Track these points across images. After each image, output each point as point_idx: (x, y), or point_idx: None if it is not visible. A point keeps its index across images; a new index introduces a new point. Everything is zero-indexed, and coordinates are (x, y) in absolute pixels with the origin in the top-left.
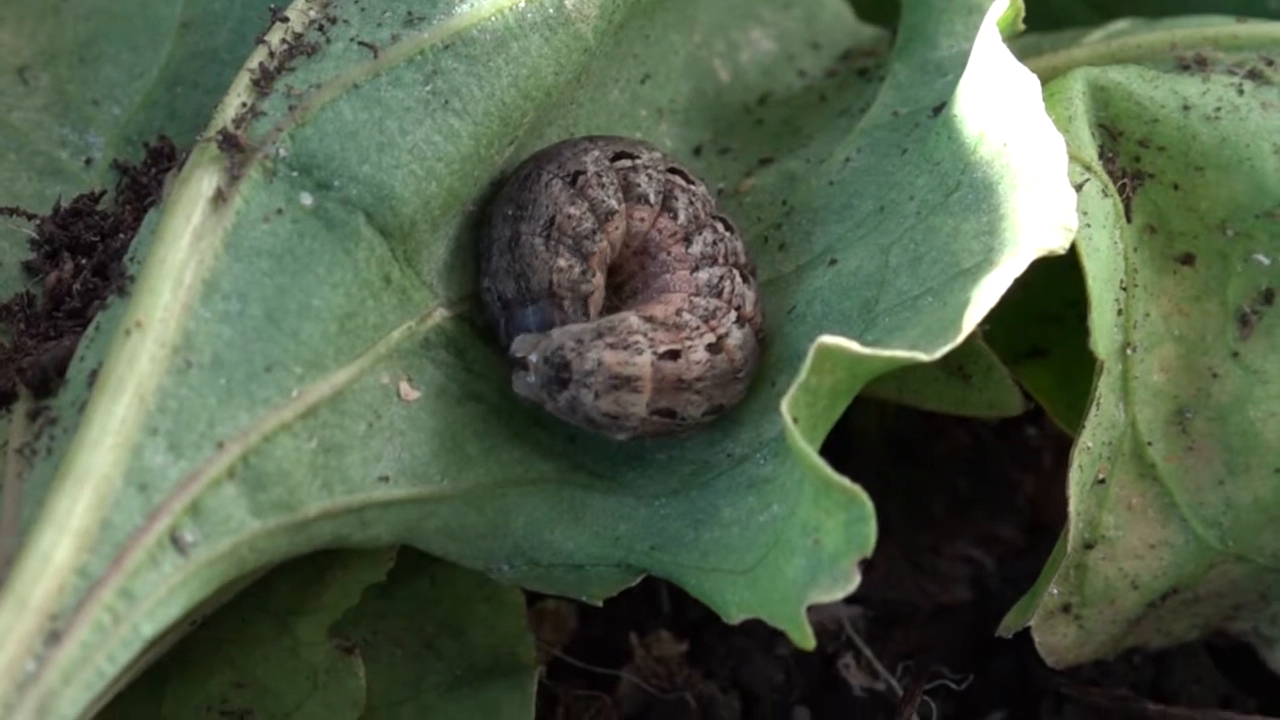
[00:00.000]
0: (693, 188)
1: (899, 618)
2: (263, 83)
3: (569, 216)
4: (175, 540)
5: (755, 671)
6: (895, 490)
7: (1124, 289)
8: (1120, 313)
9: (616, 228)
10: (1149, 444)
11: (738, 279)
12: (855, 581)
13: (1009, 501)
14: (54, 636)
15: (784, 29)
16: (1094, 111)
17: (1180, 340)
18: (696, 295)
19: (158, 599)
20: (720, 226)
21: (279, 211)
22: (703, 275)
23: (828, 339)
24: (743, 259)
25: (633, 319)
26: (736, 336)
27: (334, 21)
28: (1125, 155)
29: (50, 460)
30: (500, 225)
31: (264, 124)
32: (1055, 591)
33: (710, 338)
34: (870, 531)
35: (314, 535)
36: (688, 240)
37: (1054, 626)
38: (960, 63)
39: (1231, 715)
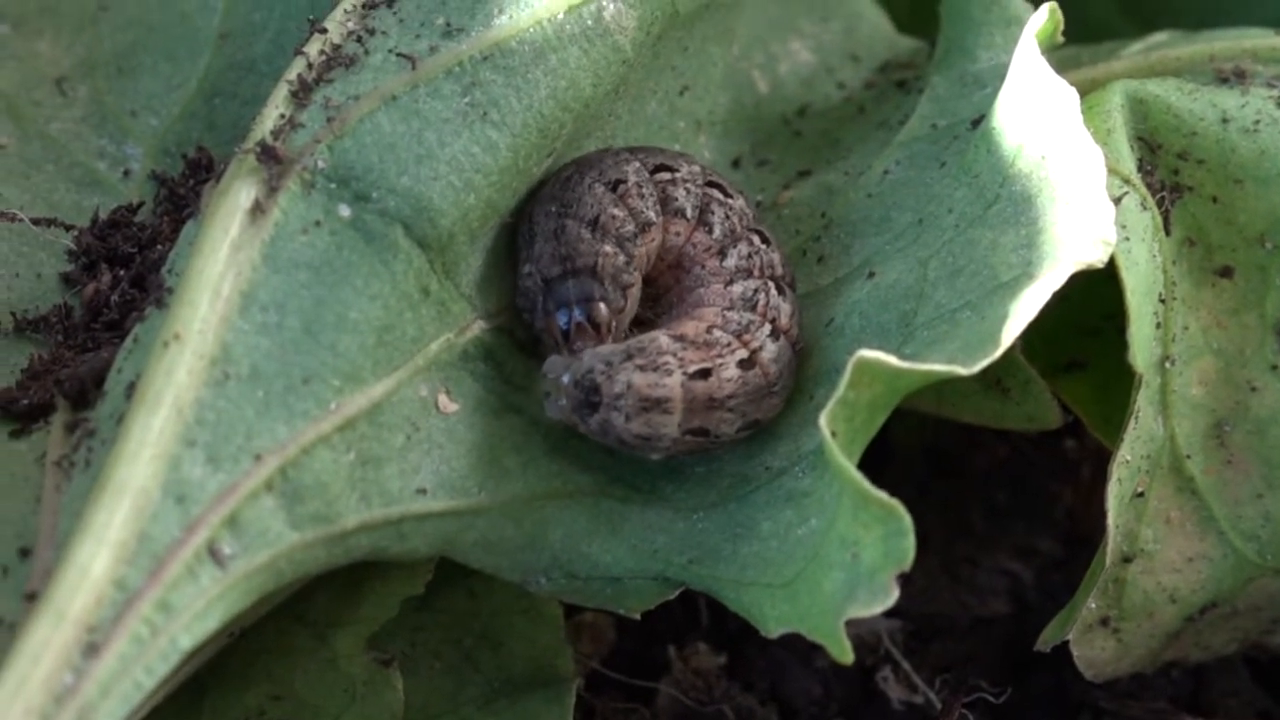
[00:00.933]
0: (730, 201)
1: (937, 630)
2: (301, 94)
3: (613, 217)
4: (213, 553)
5: (793, 684)
6: (934, 502)
7: (1163, 302)
8: (1159, 326)
9: (653, 239)
10: (1188, 457)
11: (773, 291)
12: (894, 596)
13: (1048, 514)
14: (92, 649)
15: (823, 41)
16: (1133, 124)
17: (1219, 353)
18: (730, 309)
19: (195, 612)
20: (756, 239)
21: (317, 223)
22: (737, 289)
23: (866, 353)
24: (779, 271)
25: (662, 339)
26: (771, 350)
27: (372, 33)
28: (1164, 168)
29: (88, 472)
30: (544, 220)
31: (302, 135)
32: (1094, 605)
33: (743, 353)
34: (909, 546)
35: (352, 547)
36: (722, 254)
37: (1092, 640)
38: (999, 75)
39: None
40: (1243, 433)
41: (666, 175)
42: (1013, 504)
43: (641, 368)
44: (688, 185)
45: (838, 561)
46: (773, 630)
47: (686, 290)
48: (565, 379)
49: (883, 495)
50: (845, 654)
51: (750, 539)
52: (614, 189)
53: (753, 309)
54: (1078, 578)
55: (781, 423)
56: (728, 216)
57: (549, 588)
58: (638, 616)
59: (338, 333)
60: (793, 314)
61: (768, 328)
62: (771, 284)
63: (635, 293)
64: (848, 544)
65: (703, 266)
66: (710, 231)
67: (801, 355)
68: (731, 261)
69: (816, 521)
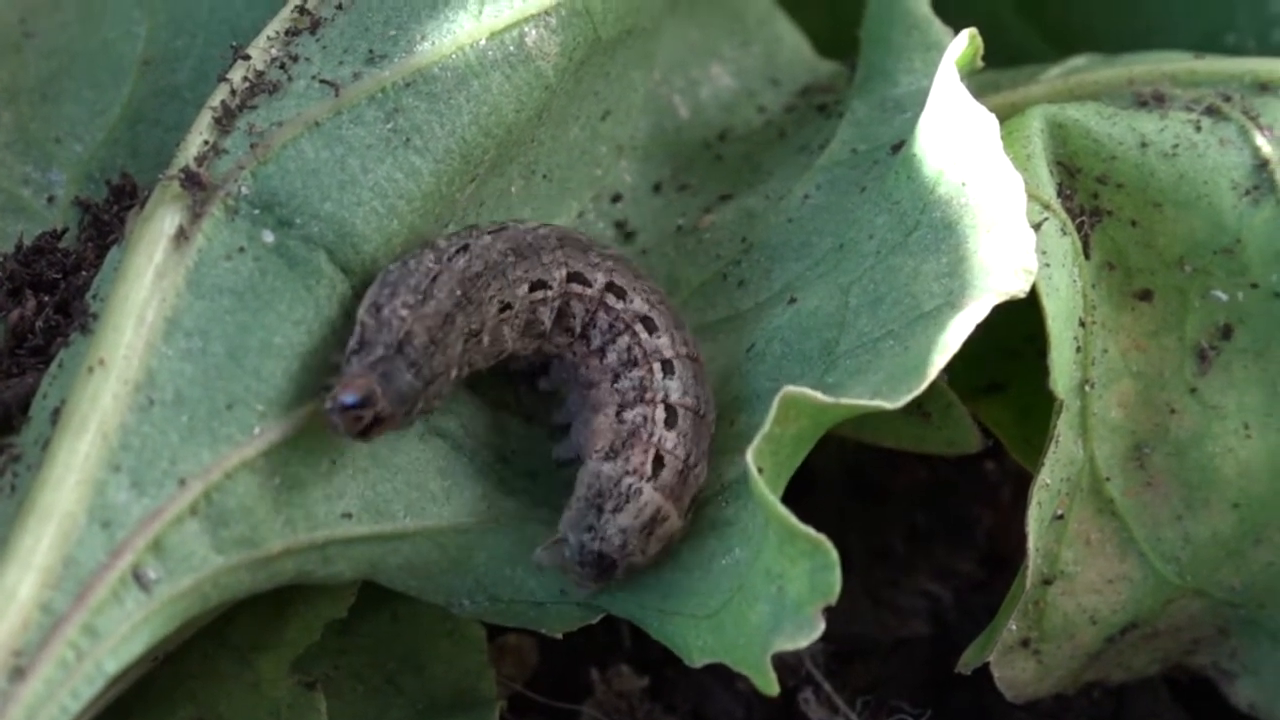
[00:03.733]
0: (619, 305)
1: (859, 652)
2: (224, 121)
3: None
4: (138, 577)
5: (716, 706)
6: (854, 525)
7: (1083, 325)
8: (1079, 350)
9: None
10: (1107, 479)
11: (658, 375)
12: (819, 629)
13: (968, 536)
14: (18, 673)
15: (743, 65)
16: (1052, 149)
17: (1138, 376)
18: (622, 409)
19: (121, 635)
20: (640, 329)
21: (241, 249)
22: (624, 383)
23: (792, 389)
24: (667, 354)
25: (601, 467)
26: (670, 439)
27: (295, 59)
28: (1083, 192)
29: (14, 497)
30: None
31: (226, 162)
32: (1014, 626)
33: (662, 411)
34: (835, 580)
35: (276, 571)
36: (603, 353)
37: (1013, 661)
38: (919, 100)
39: None
40: (1162, 455)
41: (577, 288)
42: (933, 526)
43: (615, 508)
44: (555, 304)
45: (763, 594)
46: (696, 660)
47: (576, 385)
48: (570, 560)
49: (809, 530)
50: (771, 686)
51: (672, 568)
52: (534, 289)
53: (641, 398)
54: (998, 599)
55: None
56: (610, 322)
57: (472, 610)
58: (560, 635)
59: (261, 358)
60: (685, 389)
61: (661, 411)
62: (658, 365)
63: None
64: (773, 577)
65: (586, 367)
66: (589, 344)
67: (720, 383)
68: (612, 358)
69: (741, 552)
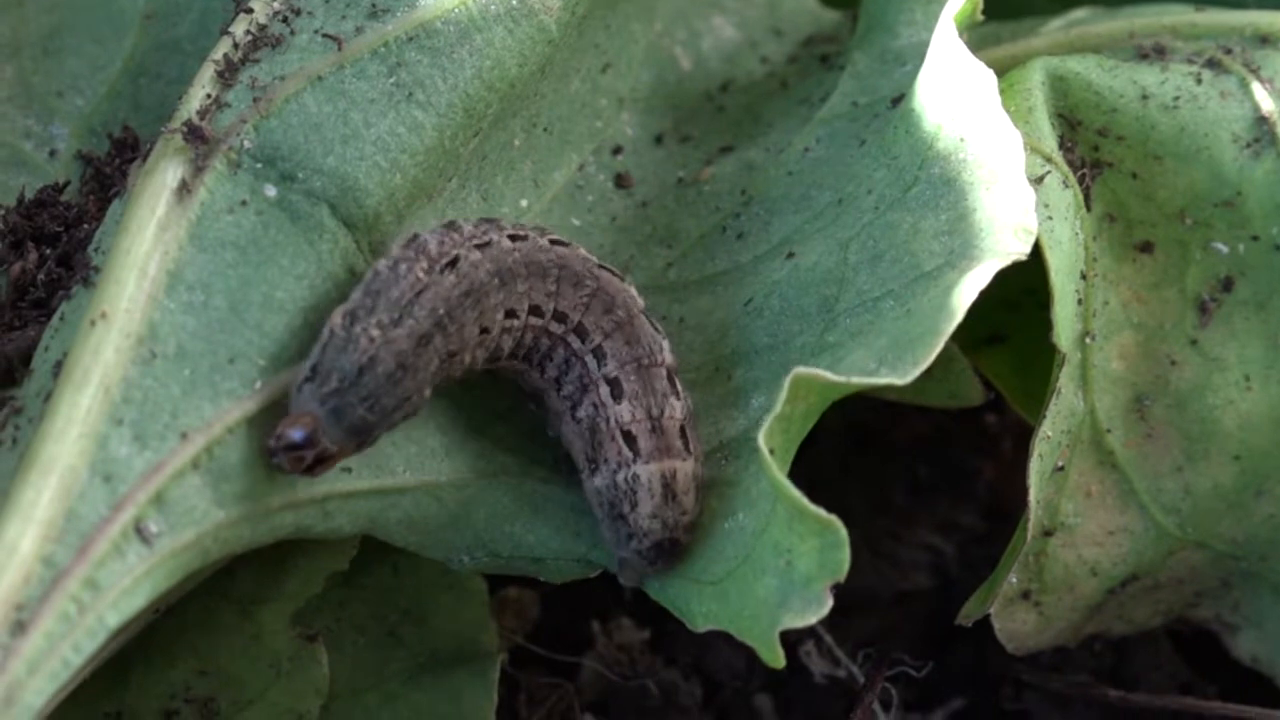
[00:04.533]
0: (578, 345)
1: (860, 605)
2: (227, 74)
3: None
4: (140, 531)
5: (717, 659)
6: (855, 478)
7: (1084, 278)
8: (1080, 302)
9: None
10: (1108, 431)
11: (606, 398)
12: (827, 605)
13: (969, 488)
14: (19, 626)
15: (746, 16)
16: (1053, 101)
17: (1139, 328)
18: (575, 406)
19: (123, 589)
20: (591, 359)
21: (243, 203)
22: (580, 413)
23: (803, 370)
24: (615, 374)
25: (595, 484)
26: (635, 473)
27: (298, 13)
28: (1084, 145)
29: (15, 450)
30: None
31: (228, 116)
32: (1015, 579)
33: (606, 388)
34: (844, 558)
35: (277, 526)
36: (543, 370)
37: (1014, 613)
38: (920, 53)
39: (1192, 701)
40: (1163, 406)
41: (534, 321)
42: (934, 479)
43: (632, 505)
44: (519, 335)
45: (771, 567)
46: (700, 626)
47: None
48: (645, 567)
49: (819, 511)
50: (777, 660)
51: None
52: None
53: (584, 390)
54: (999, 551)
55: (699, 404)
56: (566, 361)
57: (472, 565)
58: (559, 582)
59: (264, 312)
60: (618, 356)
61: (604, 389)
62: (590, 358)
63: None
64: (781, 551)
65: (529, 379)
66: (543, 373)
67: (718, 336)
68: (553, 372)
69: (745, 518)
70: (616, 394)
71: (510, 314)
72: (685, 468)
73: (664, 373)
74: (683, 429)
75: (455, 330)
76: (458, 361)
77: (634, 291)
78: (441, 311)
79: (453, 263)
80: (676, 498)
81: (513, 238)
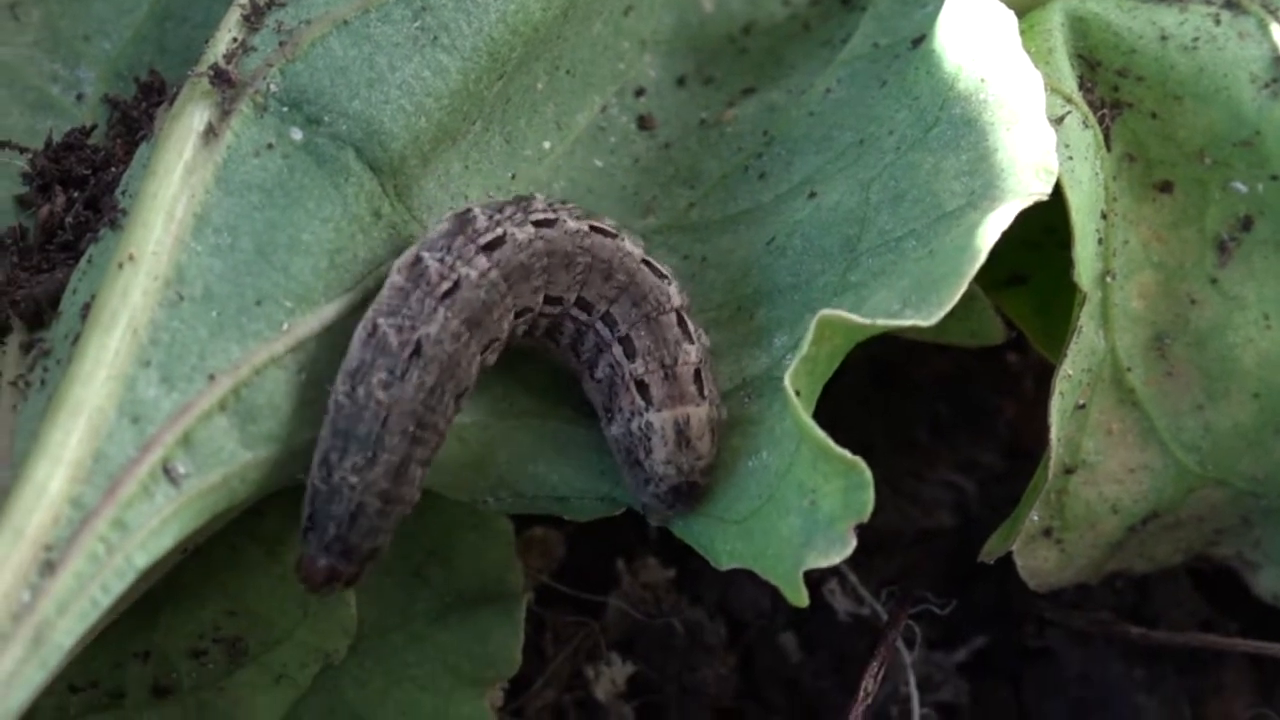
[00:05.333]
0: (585, 318)
1: (883, 543)
2: (253, 18)
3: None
4: (168, 471)
5: (742, 597)
6: (878, 417)
7: (1104, 217)
8: (1100, 241)
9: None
10: (1128, 370)
11: (604, 331)
12: (851, 545)
13: (991, 427)
14: (48, 566)
15: None
16: (1073, 42)
17: (1159, 267)
18: (592, 368)
19: (150, 530)
20: (602, 325)
21: (269, 146)
22: (585, 355)
23: (829, 312)
24: (626, 332)
25: (612, 433)
26: (651, 420)
27: None
28: (1104, 85)
29: (44, 392)
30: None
31: (254, 59)
32: (1036, 516)
33: (619, 349)
34: (868, 499)
35: (304, 467)
36: (575, 352)
37: (1035, 550)
38: None
39: (1213, 638)
40: (1183, 345)
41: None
42: (955, 417)
43: (647, 451)
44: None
45: (795, 507)
46: (724, 564)
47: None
48: (665, 511)
49: (844, 453)
50: (801, 599)
51: None
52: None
53: (599, 354)
54: (1021, 490)
55: (722, 342)
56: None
57: (496, 506)
58: (585, 520)
59: (290, 255)
60: (627, 317)
61: (618, 350)
62: (601, 324)
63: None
64: (806, 491)
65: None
66: (559, 344)
67: (740, 275)
68: (585, 355)
69: (769, 456)
70: (629, 352)
71: (518, 314)
72: (699, 413)
73: (674, 318)
74: (697, 373)
75: (440, 402)
76: (465, 386)
77: (628, 245)
78: (412, 426)
79: (417, 350)
80: (691, 443)
81: (489, 247)
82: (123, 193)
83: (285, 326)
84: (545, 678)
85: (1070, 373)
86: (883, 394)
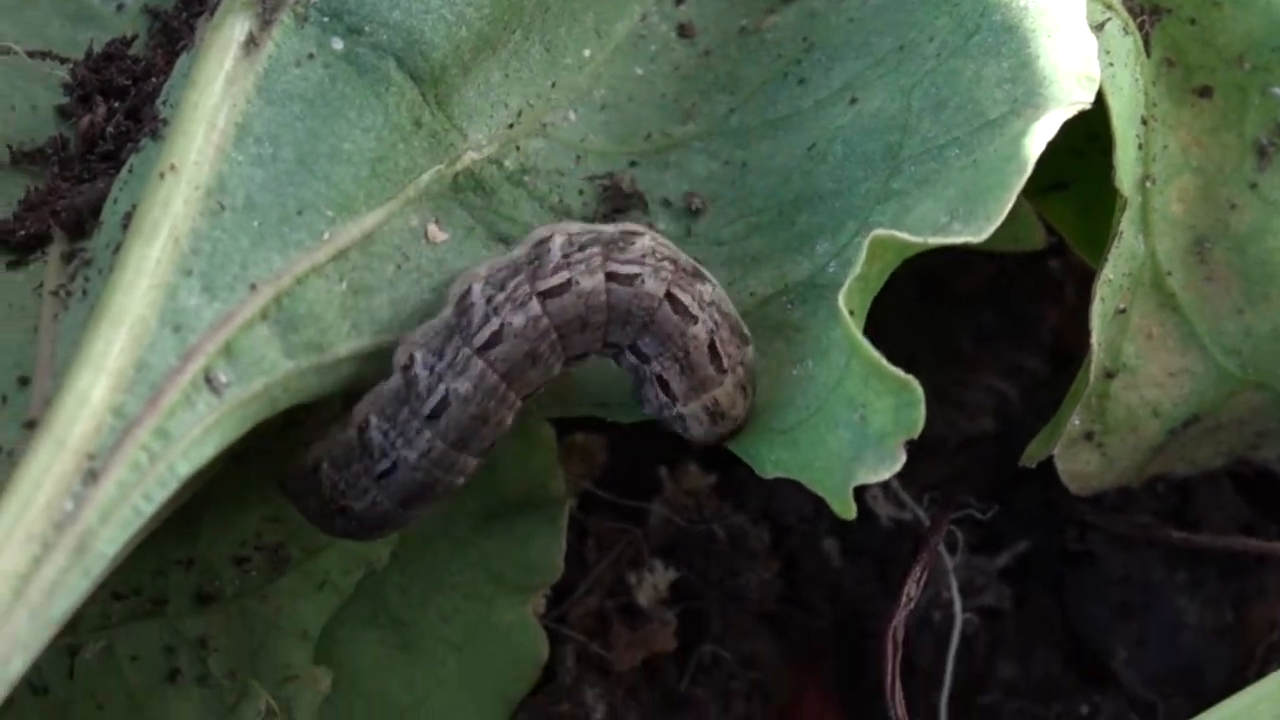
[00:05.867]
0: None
1: (926, 450)
2: None
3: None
4: (210, 380)
5: (784, 503)
6: (921, 324)
7: (1144, 123)
8: (1140, 146)
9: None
10: (1168, 274)
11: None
12: (901, 461)
13: (1033, 334)
14: (91, 475)
15: None
16: None
17: (1199, 172)
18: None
19: (193, 439)
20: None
21: (310, 56)
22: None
23: (882, 232)
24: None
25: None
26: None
27: None
28: None
29: (85, 301)
30: None
31: None
32: (1078, 420)
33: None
34: (919, 416)
35: (344, 375)
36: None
37: (1077, 454)
38: None
39: (1254, 542)
40: (1223, 249)
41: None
42: (999, 324)
43: (700, 424)
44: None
45: (844, 420)
46: (769, 472)
47: None
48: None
49: (897, 371)
50: (850, 511)
51: None
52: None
53: (635, 373)
54: (1063, 396)
55: (762, 248)
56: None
57: (538, 412)
58: (625, 423)
59: (331, 164)
60: (662, 365)
61: (655, 385)
62: (633, 354)
63: None
64: (855, 405)
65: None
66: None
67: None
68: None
69: (814, 366)
70: (643, 358)
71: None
72: (725, 388)
73: (669, 312)
74: (711, 347)
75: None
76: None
77: (650, 285)
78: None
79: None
80: (725, 415)
81: (485, 347)
82: (164, 103)
83: (326, 235)
84: (587, 584)
85: (1111, 277)
86: (926, 303)
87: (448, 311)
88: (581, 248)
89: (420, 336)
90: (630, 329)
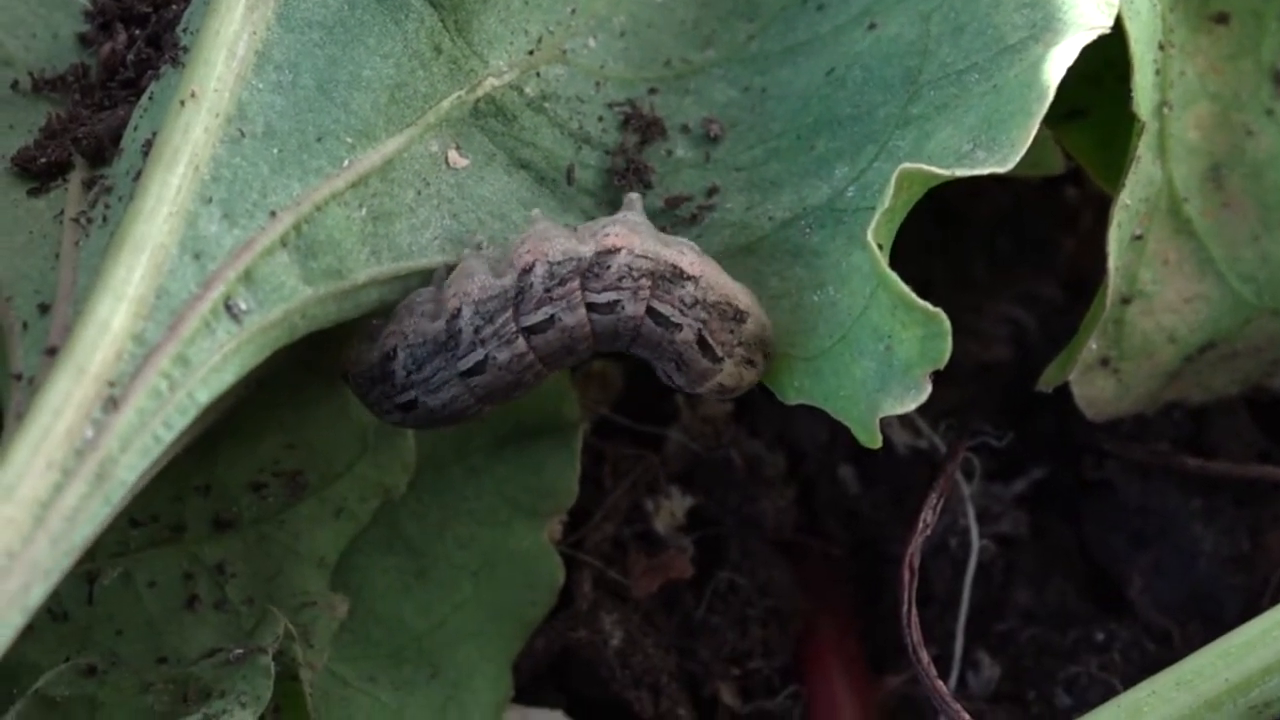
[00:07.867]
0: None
1: (941, 377)
2: None
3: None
4: (229, 308)
5: (801, 430)
6: (937, 251)
7: (1161, 49)
8: (1158, 72)
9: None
10: (1185, 200)
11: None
12: (926, 392)
13: (1049, 261)
14: (112, 402)
15: None
16: None
17: (1215, 98)
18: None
19: (212, 366)
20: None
21: None
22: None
23: (910, 165)
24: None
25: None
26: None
27: None
28: None
29: (106, 229)
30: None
31: None
32: (1094, 346)
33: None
34: (946, 347)
35: (362, 301)
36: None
37: (1092, 380)
38: None
39: (1270, 470)
40: (1239, 176)
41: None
42: (1015, 251)
43: (720, 392)
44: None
45: (869, 350)
46: (791, 399)
47: None
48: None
49: (925, 305)
50: (875, 441)
51: (761, 295)
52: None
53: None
54: (1079, 323)
55: (779, 171)
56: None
57: None
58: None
59: (351, 91)
60: (663, 368)
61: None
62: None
63: None
64: (881, 335)
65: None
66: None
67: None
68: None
69: (835, 292)
70: (643, 358)
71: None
72: (725, 371)
73: (652, 326)
74: (701, 343)
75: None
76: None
77: (630, 308)
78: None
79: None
80: (734, 389)
81: (468, 374)
82: (184, 30)
83: (346, 162)
84: (604, 510)
85: (1128, 202)
86: (944, 231)
87: (439, 323)
88: (562, 281)
89: (412, 336)
90: (620, 343)
